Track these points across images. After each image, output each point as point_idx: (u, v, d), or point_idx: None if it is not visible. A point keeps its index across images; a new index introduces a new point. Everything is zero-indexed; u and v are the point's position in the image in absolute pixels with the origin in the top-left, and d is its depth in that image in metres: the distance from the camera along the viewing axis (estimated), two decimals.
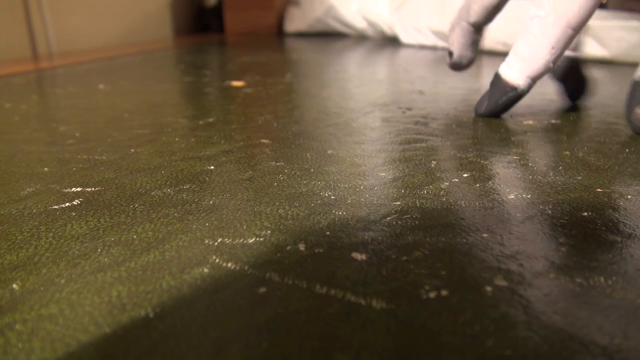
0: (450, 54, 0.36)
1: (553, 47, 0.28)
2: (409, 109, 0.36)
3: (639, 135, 0.29)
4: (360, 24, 1.11)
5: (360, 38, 1.12)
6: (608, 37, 0.61)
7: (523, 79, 0.29)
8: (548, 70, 0.29)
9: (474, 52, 0.36)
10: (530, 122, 0.32)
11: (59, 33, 0.87)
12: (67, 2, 0.89)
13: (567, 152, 0.25)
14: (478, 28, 0.35)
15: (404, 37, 0.96)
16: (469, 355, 0.10)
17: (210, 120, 0.32)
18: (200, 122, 0.32)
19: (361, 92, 0.43)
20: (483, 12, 0.34)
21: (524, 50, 0.29)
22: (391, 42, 1.01)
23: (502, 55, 0.74)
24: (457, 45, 0.36)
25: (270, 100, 0.40)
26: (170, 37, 1.26)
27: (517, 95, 0.30)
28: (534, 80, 0.30)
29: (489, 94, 0.32)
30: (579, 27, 0.28)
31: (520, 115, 0.34)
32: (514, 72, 0.30)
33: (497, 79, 0.31)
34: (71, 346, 0.11)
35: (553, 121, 0.32)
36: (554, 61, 0.29)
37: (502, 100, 0.31)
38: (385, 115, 0.34)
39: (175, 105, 0.37)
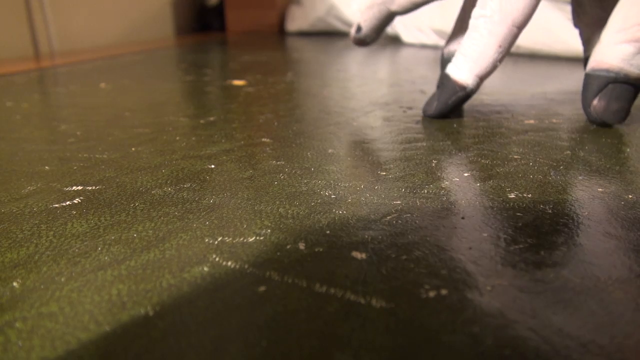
0: (359, 29, 0.36)
1: (500, 46, 0.28)
2: (410, 109, 0.36)
3: (599, 126, 0.29)
4: None
5: None
6: None
7: (472, 79, 0.29)
8: (495, 69, 0.30)
9: (379, 35, 0.37)
10: (531, 121, 0.32)
11: (61, 32, 0.87)
12: (69, 1, 0.89)
13: (568, 152, 0.25)
14: (394, 16, 0.36)
15: (406, 37, 0.96)
16: (468, 354, 0.10)
17: (211, 119, 0.32)
18: (201, 121, 0.32)
19: (362, 91, 0.43)
20: (408, 5, 0.34)
21: (472, 50, 0.29)
22: (392, 41, 1.01)
23: None
24: (370, 24, 0.36)
25: (271, 99, 0.40)
26: (171, 36, 1.26)
27: (466, 94, 0.30)
28: (482, 79, 0.30)
29: (438, 95, 0.31)
30: (523, 25, 0.28)
31: (521, 114, 0.34)
32: (463, 72, 0.30)
33: (446, 79, 0.31)
34: (71, 344, 0.11)
35: (554, 121, 0.32)
36: (501, 60, 0.29)
37: (452, 100, 0.30)
38: (386, 114, 0.34)
39: (177, 104, 0.37)
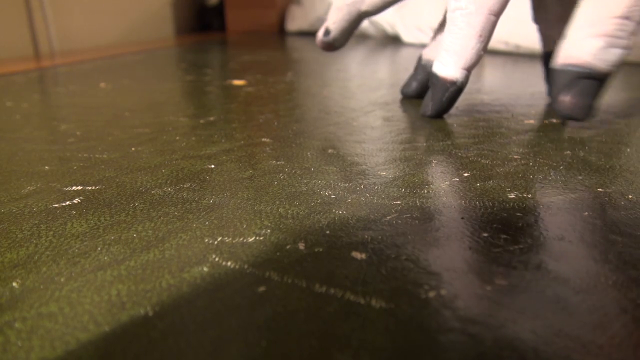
0: (328, 32, 0.35)
1: (480, 36, 0.29)
2: (410, 108, 0.36)
3: (567, 119, 0.30)
4: (362, 23, 1.10)
5: (361, 37, 1.12)
6: None
7: (459, 72, 0.30)
8: (480, 58, 0.30)
9: (348, 38, 0.36)
10: (532, 121, 0.31)
11: (61, 32, 0.87)
12: (69, 0, 0.89)
13: (568, 152, 0.25)
14: (364, 18, 0.35)
15: (406, 36, 0.96)
16: (468, 354, 0.10)
17: (211, 119, 0.32)
18: (201, 121, 0.32)
19: (362, 91, 0.43)
20: (379, 5, 0.34)
21: (453, 44, 0.29)
22: (393, 41, 1.01)
23: (503, 54, 0.74)
24: (339, 27, 0.35)
25: (271, 99, 0.40)
26: (171, 35, 1.26)
27: (457, 88, 0.30)
28: (469, 70, 0.30)
29: (431, 95, 0.31)
30: (501, 12, 0.29)
31: (522, 114, 0.34)
32: (449, 68, 0.30)
33: (434, 79, 0.31)
34: (70, 344, 0.11)
35: (554, 120, 0.32)
36: (484, 48, 0.30)
37: (446, 97, 0.31)
38: (386, 114, 0.34)
39: (177, 104, 0.37)
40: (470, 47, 0.29)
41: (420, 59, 0.38)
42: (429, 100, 0.32)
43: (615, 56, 0.26)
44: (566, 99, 0.28)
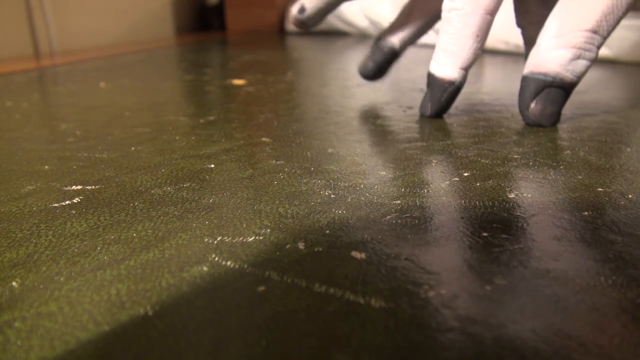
0: (303, 9, 0.34)
1: (477, 35, 0.29)
2: (410, 108, 0.36)
3: (534, 126, 0.30)
4: (362, 22, 1.11)
5: (361, 37, 1.12)
6: (611, 37, 0.60)
7: (457, 72, 0.30)
8: (477, 57, 0.30)
9: (322, 19, 0.35)
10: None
11: (61, 31, 0.87)
12: (69, 0, 0.89)
13: (568, 152, 0.25)
14: (340, 2, 0.35)
15: None
16: (467, 353, 0.10)
17: (211, 118, 0.32)
18: (201, 121, 0.32)
19: (362, 90, 0.43)
20: None
21: (450, 44, 0.29)
22: None
23: (503, 54, 0.74)
24: (315, 5, 0.34)
25: (271, 98, 0.40)
26: (172, 35, 1.26)
27: (456, 88, 0.30)
28: (467, 69, 0.30)
29: (429, 96, 0.31)
30: (496, 11, 0.29)
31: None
32: (447, 68, 0.30)
33: (432, 79, 0.31)
34: (70, 344, 0.11)
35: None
36: (481, 48, 0.30)
37: (444, 97, 0.31)
38: (386, 114, 0.34)
39: (176, 104, 0.37)
40: (467, 46, 0.29)
41: (379, 40, 0.38)
42: (427, 100, 0.32)
43: (582, 68, 0.28)
44: (535, 106, 0.29)
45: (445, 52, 0.30)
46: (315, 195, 0.19)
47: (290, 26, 1.28)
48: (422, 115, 0.33)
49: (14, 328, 0.11)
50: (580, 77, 0.28)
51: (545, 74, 0.28)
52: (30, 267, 0.14)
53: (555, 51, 0.27)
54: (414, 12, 0.37)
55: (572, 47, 0.27)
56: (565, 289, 0.12)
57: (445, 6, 0.29)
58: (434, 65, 0.31)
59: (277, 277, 0.13)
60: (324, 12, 0.34)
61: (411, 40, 0.38)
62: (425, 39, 0.90)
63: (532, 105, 0.29)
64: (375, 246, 0.15)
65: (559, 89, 0.28)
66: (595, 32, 0.27)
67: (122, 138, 0.27)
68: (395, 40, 0.37)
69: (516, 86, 0.45)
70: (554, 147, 0.25)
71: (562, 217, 0.17)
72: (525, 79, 0.29)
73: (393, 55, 0.38)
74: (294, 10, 0.35)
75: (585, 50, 0.27)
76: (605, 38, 0.27)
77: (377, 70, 0.39)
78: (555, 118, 0.29)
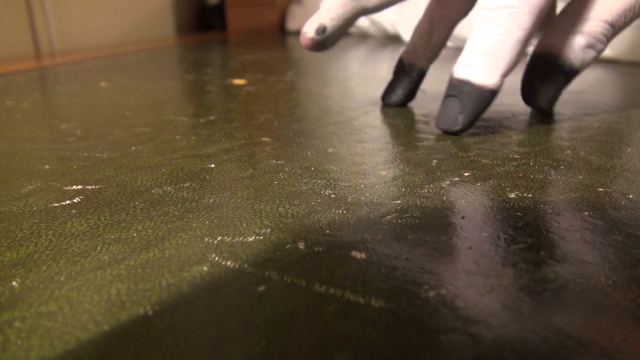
0: (324, 29, 0.30)
1: (528, 39, 0.26)
2: (410, 108, 0.36)
3: (531, 106, 0.30)
4: (362, 22, 1.10)
5: (362, 36, 1.12)
6: None
7: (498, 79, 0.26)
8: (517, 65, 0.28)
9: (340, 38, 0.32)
10: (532, 121, 0.31)
11: (62, 31, 0.87)
12: (70, 0, 0.89)
13: (569, 152, 0.25)
14: (361, 15, 0.31)
15: (407, 36, 0.96)
16: (467, 354, 0.10)
17: (212, 118, 0.32)
18: (202, 120, 0.32)
19: (362, 90, 0.43)
20: (385, 2, 0.30)
21: (496, 47, 0.26)
22: (393, 40, 1.01)
23: None
24: (337, 24, 0.30)
25: (272, 98, 0.40)
26: (172, 35, 1.26)
27: (493, 98, 0.27)
28: (505, 77, 0.27)
29: (460, 106, 0.27)
30: (545, 14, 0.27)
31: (522, 114, 0.34)
32: (488, 74, 0.26)
33: (465, 87, 0.26)
34: (70, 344, 0.11)
35: (555, 120, 0.32)
36: (524, 54, 0.28)
37: (481, 108, 0.27)
38: (386, 113, 0.34)
39: (177, 103, 0.37)
40: (515, 51, 0.26)
41: (403, 64, 0.35)
42: (454, 111, 0.27)
43: (590, 58, 0.28)
44: (537, 86, 0.28)
45: (487, 56, 0.26)
46: (316, 195, 0.19)
47: (291, 26, 1.28)
48: (446, 131, 0.28)
49: (14, 328, 0.11)
50: (585, 67, 0.28)
51: (556, 56, 0.28)
52: (30, 267, 0.14)
53: (570, 35, 0.27)
54: (435, 27, 0.33)
55: (589, 34, 0.27)
56: (565, 289, 0.12)
57: (488, 3, 0.25)
58: (467, 71, 0.26)
59: (277, 277, 0.13)
60: (343, 30, 0.31)
61: (436, 56, 0.35)
62: None
63: (534, 85, 0.28)
64: (375, 246, 0.15)
65: (562, 74, 0.28)
66: (612, 25, 0.26)
67: (123, 138, 0.27)
68: (423, 61, 0.34)
69: (516, 86, 0.45)
70: (555, 147, 0.25)
71: (563, 217, 0.17)
72: (534, 57, 0.28)
73: (422, 76, 0.35)
74: (308, 31, 0.30)
75: (599, 41, 0.27)
76: (617, 34, 0.27)
77: (408, 95, 0.36)
78: (554, 102, 0.29)
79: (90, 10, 0.94)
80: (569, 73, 0.28)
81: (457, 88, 0.27)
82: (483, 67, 0.26)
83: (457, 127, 0.27)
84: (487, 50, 0.26)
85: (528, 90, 0.29)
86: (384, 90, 0.37)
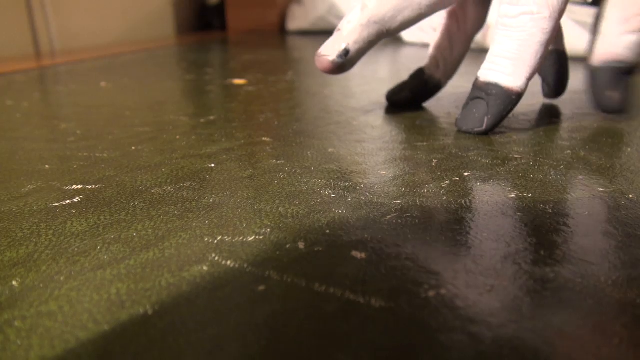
0: (347, 52, 0.29)
1: (550, 42, 0.26)
2: (410, 108, 0.36)
3: (611, 113, 0.30)
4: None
5: None
6: None
7: (524, 82, 0.27)
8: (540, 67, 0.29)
9: (358, 62, 0.31)
10: (532, 121, 0.31)
11: (62, 31, 0.87)
12: (70, 0, 0.89)
13: (569, 151, 0.25)
14: (384, 38, 0.31)
15: (406, 36, 0.96)
16: (467, 354, 0.10)
17: (212, 118, 0.32)
18: (202, 120, 0.32)
19: (363, 90, 0.43)
20: (408, 24, 0.29)
21: (521, 52, 0.26)
22: (393, 40, 1.01)
23: None
24: (360, 47, 0.29)
25: (272, 98, 0.40)
26: (172, 35, 1.26)
27: (518, 101, 0.28)
28: (530, 80, 0.28)
29: (487, 108, 0.27)
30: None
31: (522, 114, 0.34)
32: (515, 78, 0.27)
33: (494, 89, 0.27)
34: (70, 343, 0.11)
35: (555, 120, 0.32)
36: (547, 57, 0.29)
37: (507, 110, 0.27)
38: (386, 113, 0.34)
39: (177, 103, 0.37)
40: (540, 54, 0.26)
41: (423, 73, 0.35)
42: (479, 112, 0.28)
43: None
44: (614, 94, 0.29)
45: (514, 61, 0.26)
46: (316, 194, 0.19)
47: (291, 26, 1.28)
48: (470, 132, 0.28)
49: (14, 327, 0.11)
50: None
51: (619, 61, 0.29)
52: (30, 267, 0.14)
53: (623, 37, 0.28)
54: (455, 44, 0.33)
55: (637, 30, 0.28)
56: (565, 289, 0.12)
57: (509, 11, 0.26)
58: (495, 74, 0.27)
59: (277, 276, 0.13)
60: (364, 52, 0.30)
61: (454, 72, 0.35)
62: (429, 39, 0.90)
63: (612, 93, 0.29)
64: (375, 246, 0.15)
65: (627, 75, 0.29)
66: None
67: (123, 137, 0.27)
68: (442, 77, 0.34)
69: None
70: (555, 147, 0.25)
71: (563, 217, 0.17)
72: (597, 70, 0.29)
73: (436, 90, 0.35)
74: (329, 54, 0.29)
75: None
76: None
77: (412, 99, 0.35)
78: (626, 103, 0.30)
79: (90, 10, 0.94)
80: (632, 70, 0.29)
81: (484, 90, 0.28)
82: (510, 72, 0.27)
83: (482, 129, 0.28)
84: (512, 55, 0.26)
85: (600, 100, 0.30)
86: (392, 90, 0.36)
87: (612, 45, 0.28)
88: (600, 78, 0.29)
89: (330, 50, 0.29)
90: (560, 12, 0.26)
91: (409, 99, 0.35)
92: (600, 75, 0.29)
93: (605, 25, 0.29)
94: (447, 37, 0.34)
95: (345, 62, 0.29)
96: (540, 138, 0.27)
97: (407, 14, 0.29)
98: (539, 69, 0.27)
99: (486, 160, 0.23)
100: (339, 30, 0.30)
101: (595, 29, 0.32)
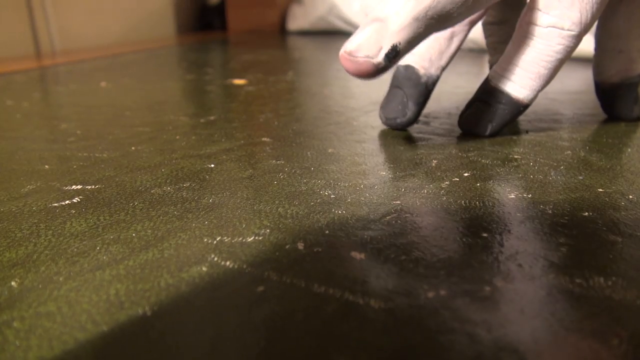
0: (394, 52, 0.22)
1: (567, 59, 0.26)
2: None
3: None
4: (361, 22, 1.10)
5: None
6: None
7: (534, 95, 0.26)
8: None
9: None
10: (532, 121, 0.31)
11: (62, 31, 0.87)
12: (70, 0, 0.89)
13: (569, 152, 0.24)
14: (434, 32, 0.25)
15: None
16: (467, 354, 0.10)
17: (212, 118, 0.32)
18: (202, 120, 0.32)
19: (362, 90, 0.43)
20: (457, 22, 0.25)
21: (540, 66, 0.25)
22: None
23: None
24: (409, 50, 0.23)
25: (272, 98, 0.40)
26: (173, 35, 1.26)
27: (524, 112, 0.27)
28: (539, 92, 0.27)
29: (492, 114, 0.27)
30: None
31: (522, 114, 0.34)
32: (528, 90, 0.26)
33: (505, 98, 0.26)
34: (68, 344, 0.11)
35: (555, 120, 0.32)
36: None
37: (512, 119, 0.27)
38: None
39: (177, 103, 0.37)
40: (557, 71, 0.25)
41: (415, 74, 0.29)
42: (485, 118, 0.27)
43: None
44: (620, 105, 0.31)
45: (530, 73, 0.25)
46: (315, 195, 0.19)
47: (291, 26, 1.27)
48: (475, 134, 0.28)
49: (12, 328, 0.11)
50: None
51: (631, 77, 0.30)
52: (29, 267, 0.14)
53: (634, 55, 0.29)
54: (456, 33, 0.30)
55: None
56: (565, 289, 0.12)
57: (538, 19, 0.24)
58: (507, 83, 0.26)
59: (276, 277, 0.13)
60: (408, 51, 0.25)
61: (449, 62, 0.31)
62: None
63: (619, 105, 0.31)
64: (375, 246, 0.15)
65: (636, 84, 0.30)
66: None
67: (123, 137, 0.27)
68: (436, 70, 0.30)
69: None
70: (554, 147, 0.25)
71: (563, 217, 0.17)
72: (620, 87, 0.30)
73: (434, 86, 0.31)
74: (371, 52, 0.21)
75: None
76: None
77: (420, 109, 0.29)
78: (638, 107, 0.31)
79: (90, 10, 0.94)
80: None
81: (493, 96, 0.27)
82: (524, 84, 0.26)
83: (485, 133, 0.28)
84: (529, 67, 0.25)
85: (622, 112, 0.31)
86: (391, 112, 0.30)
87: (633, 62, 0.30)
88: (624, 95, 0.31)
89: (371, 49, 0.22)
90: (588, 31, 0.25)
91: (417, 111, 0.30)
92: (623, 92, 0.30)
93: (625, 44, 0.29)
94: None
95: (390, 65, 0.23)
96: (540, 138, 0.27)
97: (462, 9, 0.23)
98: (550, 82, 0.29)
99: (486, 161, 0.23)
100: (381, 21, 0.22)
101: (601, 44, 0.31)
